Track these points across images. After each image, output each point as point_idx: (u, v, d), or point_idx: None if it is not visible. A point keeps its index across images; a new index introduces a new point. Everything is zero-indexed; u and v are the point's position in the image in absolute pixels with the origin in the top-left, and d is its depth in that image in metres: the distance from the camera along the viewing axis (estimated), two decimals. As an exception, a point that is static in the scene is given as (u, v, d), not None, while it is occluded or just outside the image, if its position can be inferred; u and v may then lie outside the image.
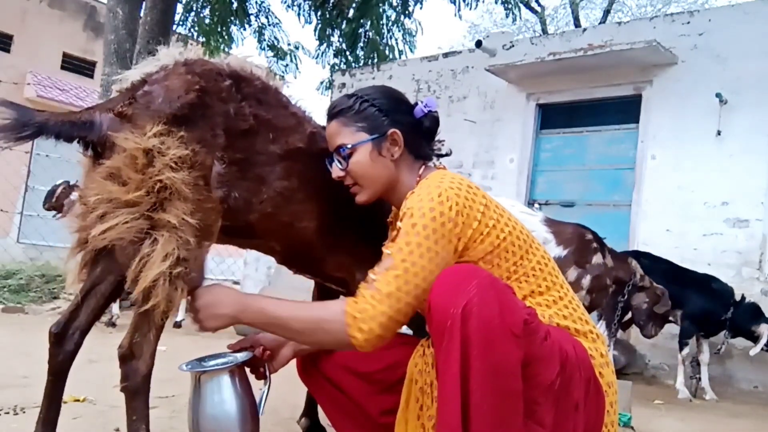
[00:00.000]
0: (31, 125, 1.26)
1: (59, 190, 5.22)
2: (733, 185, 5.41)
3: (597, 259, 3.94)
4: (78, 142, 1.34)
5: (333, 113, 1.53)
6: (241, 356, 1.55)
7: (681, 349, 4.66)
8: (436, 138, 1.58)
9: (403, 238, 1.32)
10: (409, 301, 1.30)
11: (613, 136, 6.46)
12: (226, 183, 1.46)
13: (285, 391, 1.89)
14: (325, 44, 10.71)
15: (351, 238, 1.75)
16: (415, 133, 1.53)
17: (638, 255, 4.73)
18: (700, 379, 4.72)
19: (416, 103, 1.55)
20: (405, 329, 1.88)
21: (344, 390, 1.65)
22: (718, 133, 5.53)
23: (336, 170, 1.53)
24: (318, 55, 10.89)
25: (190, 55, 1.53)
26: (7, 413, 2.16)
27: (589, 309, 3.88)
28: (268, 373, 1.60)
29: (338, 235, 1.75)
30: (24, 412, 2.17)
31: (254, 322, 1.42)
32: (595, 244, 3.98)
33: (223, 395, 1.47)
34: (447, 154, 1.60)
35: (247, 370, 1.57)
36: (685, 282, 4.37)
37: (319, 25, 10.41)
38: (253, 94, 1.56)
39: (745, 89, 5.47)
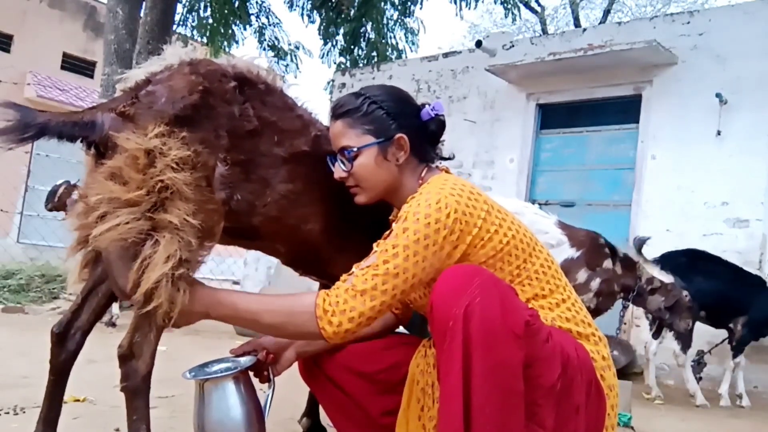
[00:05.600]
0: (33, 126, 1.26)
1: (61, 190, 5.18)
2: (733, 185, 5.41)
3: (608, 263, 3.96)
4: (80, 142, 1.34)
5: (339, 113, 1.50)
6: (245, 361, 1.54)
7: (735, 356, 4.46)
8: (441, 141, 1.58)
9: (391, 239, 1.31)
10: (384, 300, 1.29)
11: (613, 136, 6.46)
12: (229, 184, 1.46)
13: (286, 392, 1.89)
14: (330, 43, 10.69)
15: (357, 239, 1.74)
16: (420, 136, 1.51)
17: (695, 255, 4.59)
18: (700, 378, 4.71)
19: (423, 105, 1.54)
20: (402, 329, 1.88)
21: (346, 390, 1.65)
22: (718, 133, 5.53)
23: (339, 171, 1.51)
24: (323, 54, 10.87)
25: (196, 55, 1.52)
26: (7, 413, 2.15)
27: (595, 312, 3.89)
28: (271, 377, 1.60)
29: (344, 236, 1.74)
30: (24, 412, 2.17)
31: (225, 317, 1.40)
32: (607, 250, 4.01)
33: (229, 402, 1.47)
34: (450, 158, 1.59)
35: (251, 374, 1.57)
36: (747, 285, 4.22)
37: (323, 24, 10.40)
38: (257, 96, 1.54)
39: (745, 89, 5.47)
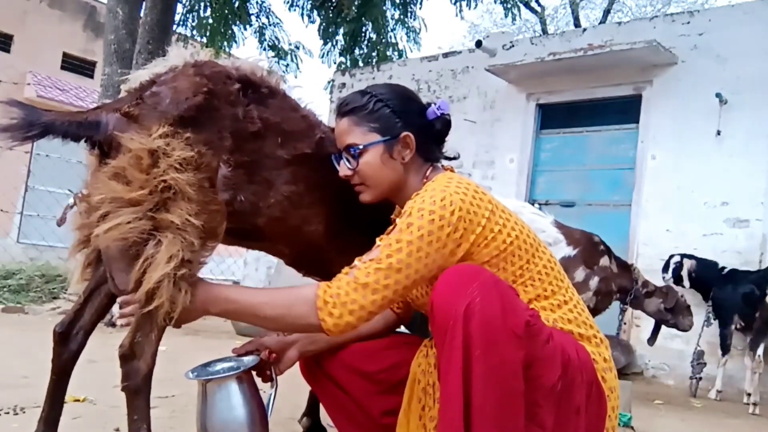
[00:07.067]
0: (38, 125, 1.26)
1: None
2: (733, 185, 5.41)
3: (604, 261, 3.99)
4: (85, 142, 1.34)
5: (345, 110, 1.50)
6: (248, 361, 1.54)
7: None
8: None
9: (395, 234, 1.32)
10: (386, 295, 1.29)
11: (613, 136, 6.46)
12: (232, 186, 1.46)
13: (286, 391, 1.89)
14: (330, 43, 10.69)
15: (360, 239, 1.74)
16: (426, 135, 1.51)
17: None
18: (700, 378, 4.71)
19: (429, 104, 1.54)
20: (403, 329, 1.88)
21: (346, 389, 1.65)
22: (718, 133, 5.53)
23: (344, 169, 1.51)
24: (323, 54, 10.87)
25: (200, 57, 1.52)
26: (7, 413, 2.15)
27: (594, 312, 3.90)
28: (274, 376, 1.60)
29: (347, 237, 1.74)
30: (24, 412, 2.17)
31: (226, 312, 1.40)
32: (602, 248, 4.03)
33: (232, 402, 1.47)
34: (455, 158, 1.59)
35: (253, 373, 1.57)
36: None
37: (323, 24, 10.40)
38: (261, 98, 1.55)
39: (745, 89, 5.47)
